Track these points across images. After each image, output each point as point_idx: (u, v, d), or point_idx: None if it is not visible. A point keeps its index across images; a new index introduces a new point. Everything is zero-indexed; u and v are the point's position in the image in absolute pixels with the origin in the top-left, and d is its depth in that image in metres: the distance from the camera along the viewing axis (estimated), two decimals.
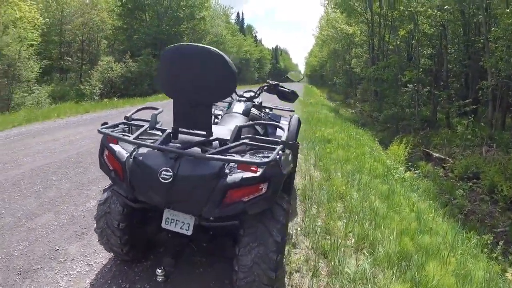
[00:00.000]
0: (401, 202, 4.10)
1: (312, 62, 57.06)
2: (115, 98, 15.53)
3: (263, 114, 3.05)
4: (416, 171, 7.38)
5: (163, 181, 1.60)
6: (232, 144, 1.77)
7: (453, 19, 12.34)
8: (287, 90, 3.16)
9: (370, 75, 17.45)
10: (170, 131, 1.86)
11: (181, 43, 1.81)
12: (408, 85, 12.79)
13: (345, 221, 3.20)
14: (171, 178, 1.59)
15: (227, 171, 1.64)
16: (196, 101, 1.75)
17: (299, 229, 3.04)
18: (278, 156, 1.63)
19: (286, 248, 2.47)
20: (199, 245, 2.21)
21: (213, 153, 1.69)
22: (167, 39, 24.58)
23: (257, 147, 1.87)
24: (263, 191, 1.61)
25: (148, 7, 23.84)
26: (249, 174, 1.59)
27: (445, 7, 10.50)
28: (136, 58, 19.54)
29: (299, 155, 5.40)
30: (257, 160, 1.63)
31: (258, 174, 1.59)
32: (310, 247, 2.73)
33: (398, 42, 15.30)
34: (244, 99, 3.12)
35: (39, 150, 5.29)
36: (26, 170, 4.29)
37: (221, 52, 1.68)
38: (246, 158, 1.72)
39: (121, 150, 1.79)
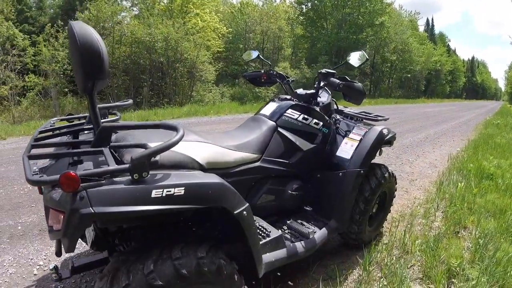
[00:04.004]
0: None
1: None
2: None
3: (320, 123, 2.06)
4: None
5: None
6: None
7: None
8: (338, 82, 1.93)
9: None
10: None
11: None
12: None
13: None
14: None
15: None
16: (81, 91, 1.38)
17: None
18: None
19: None
20: None
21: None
22: (347, 46, 24.32)
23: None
24: (60, 224, 1.04)
25: (330, 15, 24.21)
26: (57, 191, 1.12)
27: None
28: (312, 65, 20.14)
29: (413, 187, 4.03)
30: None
31: (54, 195, 1.10)
32: None
33: None
34: (286, 97, 2.22)
35: None
36: None
37: (78, 25, 1.20)
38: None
39: None
